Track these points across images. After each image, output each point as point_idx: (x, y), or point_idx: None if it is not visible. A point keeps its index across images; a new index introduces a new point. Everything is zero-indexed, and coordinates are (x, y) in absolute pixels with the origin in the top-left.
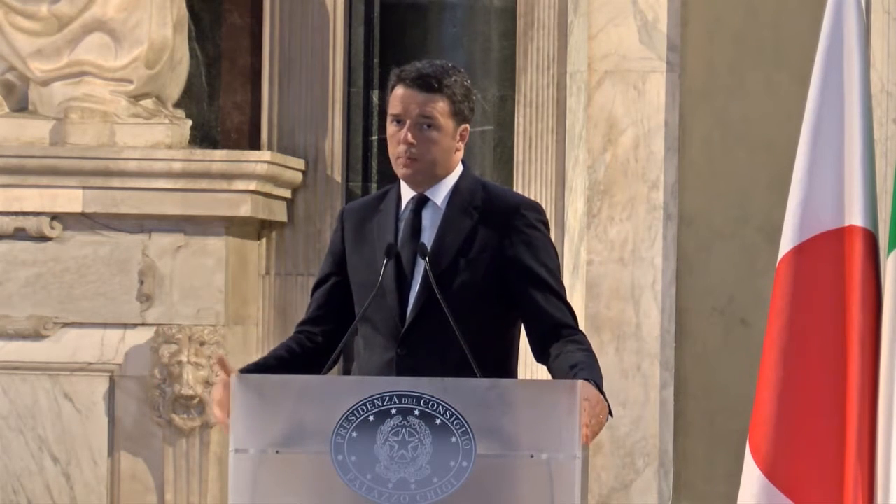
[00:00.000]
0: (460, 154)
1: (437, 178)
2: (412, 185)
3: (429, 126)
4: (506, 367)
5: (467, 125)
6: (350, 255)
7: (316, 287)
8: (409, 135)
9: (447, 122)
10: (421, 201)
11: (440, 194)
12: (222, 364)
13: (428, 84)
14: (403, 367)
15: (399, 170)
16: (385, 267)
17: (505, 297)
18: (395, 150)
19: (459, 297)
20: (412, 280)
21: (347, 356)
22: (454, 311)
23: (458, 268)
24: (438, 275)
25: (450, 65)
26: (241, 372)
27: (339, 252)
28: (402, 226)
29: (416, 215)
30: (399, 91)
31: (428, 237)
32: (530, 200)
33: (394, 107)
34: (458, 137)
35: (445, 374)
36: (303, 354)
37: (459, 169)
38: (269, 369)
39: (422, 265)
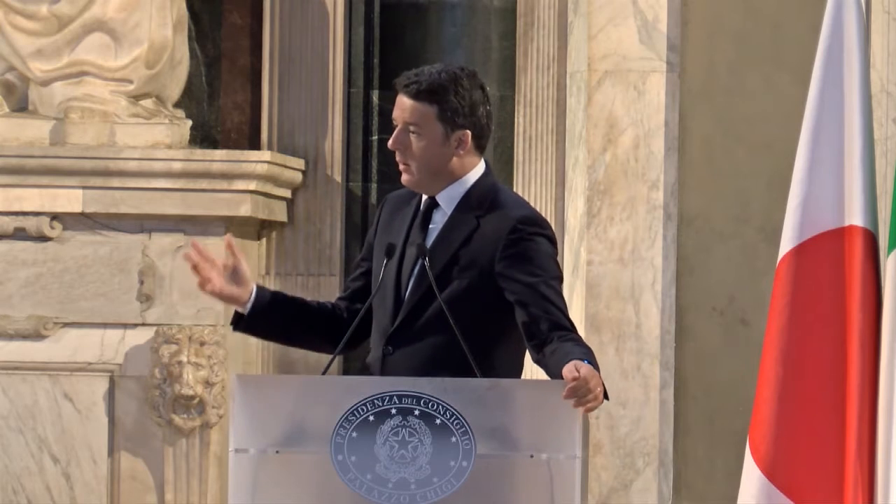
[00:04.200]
0: (467, 158)
1: (440, 182)
2: (416, 190)
3: (413, 133)
4: (500, 372)
5: (466, 131)
6: (376, 245)
7: (357, 265)
8: (393, 139)
9: (434, 130)
10: (432, 204)
11: (448, 199)
12: (230, 247)
13: (413, 90)
14: (387, 364)
15: (402, 177)
16: (385, 266)
17: (498, 308)
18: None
19: (448, 303)
20: (410, 280)
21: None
22: (440, 315)
23: (451, 276)
24: (431, 279)
25: (451, 73)
26: (257, 290)
27: (372, 238)
28: (414, 224)
29: (426, 218)
30: (397, 97)
31: (430, 241)
32: (530, 215)
33: (393, 111)
34: (454, 143)
35: (427, 375)
36: (321, 315)
37: (477, 173)
38: (283, 303)
39: (421, 266)
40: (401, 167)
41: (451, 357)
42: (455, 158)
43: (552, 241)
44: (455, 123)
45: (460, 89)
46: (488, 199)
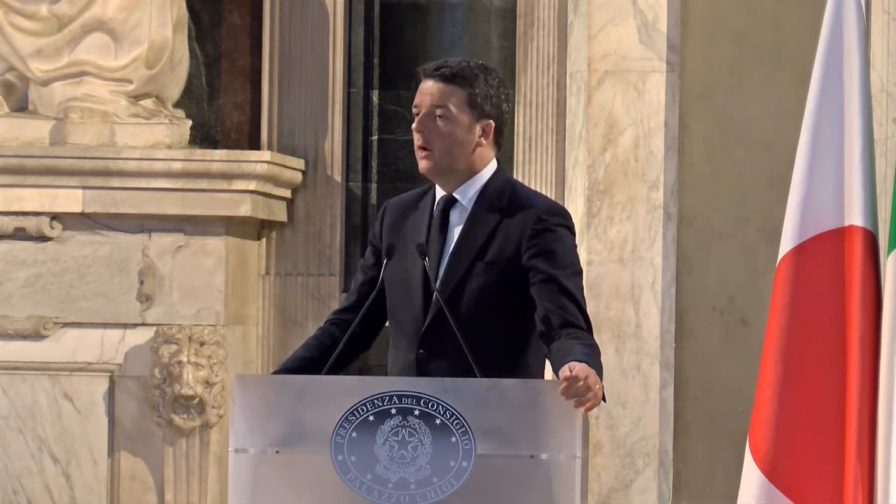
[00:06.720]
0: (486, 151)
1: (459, 175)
2: (434, 180)
3: (440, 116)
4: (523, 369)
5: (491, 122)
6: (385, 249)
7: (362, 271)
8: (417, 122)
9: (461, 114)
10: (449, 202)
11: (467, 195)
12: None
13: (444, 75)
14: (423, 368)
15: (419, 164)
16: (385, 267)
17: (523, 301)
18: (415, 142)
19: (475, 299)
20: (437, 282)
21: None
22: (470, 314)
23: (475, 271)
24: (457, 277)
25: (479, 63)
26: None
27: (378, 246)
28: (432, 224)
29: (444, 216)
30: (420, 84)
31: (453, 238)
32: (553, 205)
33: (415, 99)
34: (478, 132)
35: (465, 376)
36: (333, 347)
37: (491, 169)
38: (300, 372)
39: (443, 266)
40: (420, 154)
41: (489, 358)
42: (478, 149)
43: (573, 231)
44: (483, 111)
45: (489, 78)
46: (507, 192)
